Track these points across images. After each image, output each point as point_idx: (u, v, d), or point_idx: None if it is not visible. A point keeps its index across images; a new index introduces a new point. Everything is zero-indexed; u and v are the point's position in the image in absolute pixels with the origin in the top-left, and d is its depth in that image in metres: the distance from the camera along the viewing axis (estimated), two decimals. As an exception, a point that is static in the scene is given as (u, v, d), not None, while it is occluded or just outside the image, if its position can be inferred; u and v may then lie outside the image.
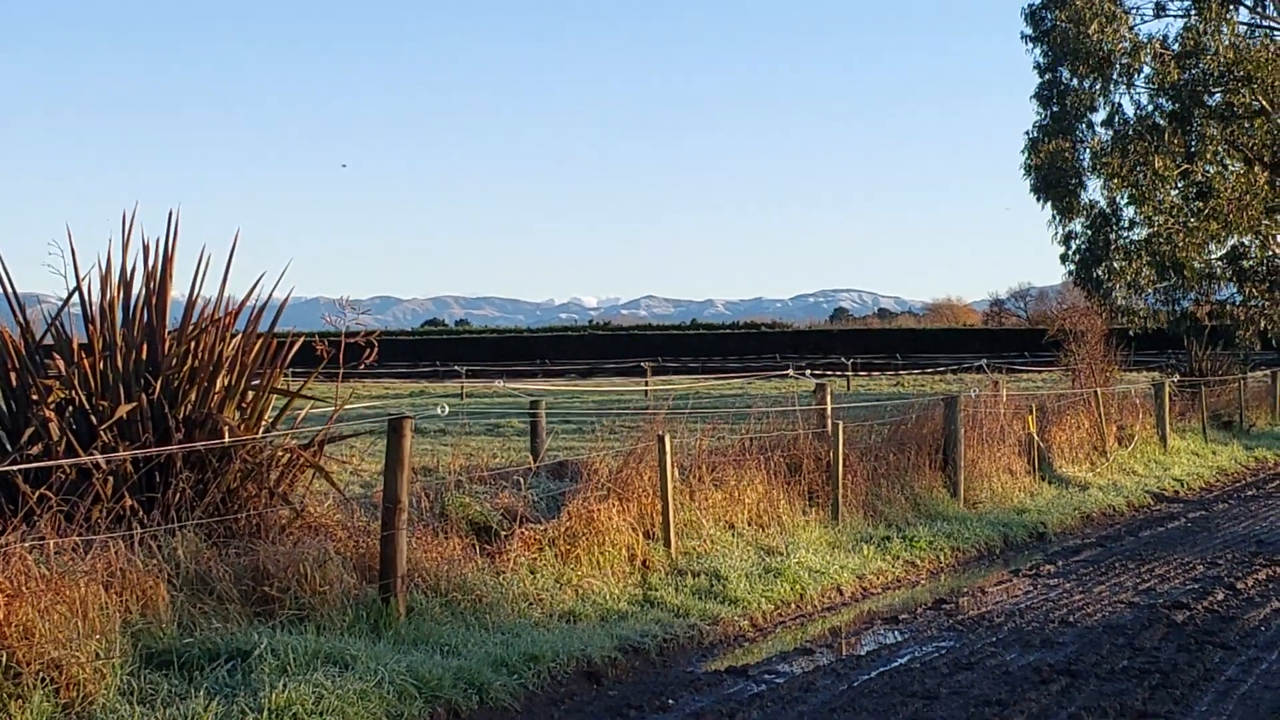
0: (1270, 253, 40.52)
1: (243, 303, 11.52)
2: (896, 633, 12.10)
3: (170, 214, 11.26)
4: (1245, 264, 40.83)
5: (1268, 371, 40.89)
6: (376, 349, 11.67)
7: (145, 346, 10.95)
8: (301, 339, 12.01)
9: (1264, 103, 37.14)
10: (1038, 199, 41.28)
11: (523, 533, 12.36)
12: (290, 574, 10.05)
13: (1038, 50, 43.12)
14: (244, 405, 11.40)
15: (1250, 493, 22.79)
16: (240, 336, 11.39)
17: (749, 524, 15.12)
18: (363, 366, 11.94)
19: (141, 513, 9.95)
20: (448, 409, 12.49)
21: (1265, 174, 37.90)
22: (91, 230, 11.37)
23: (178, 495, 10.14)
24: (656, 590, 12.56)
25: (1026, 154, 41.44)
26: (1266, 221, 38.43)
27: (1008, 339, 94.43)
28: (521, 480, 13.70)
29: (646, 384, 51.22)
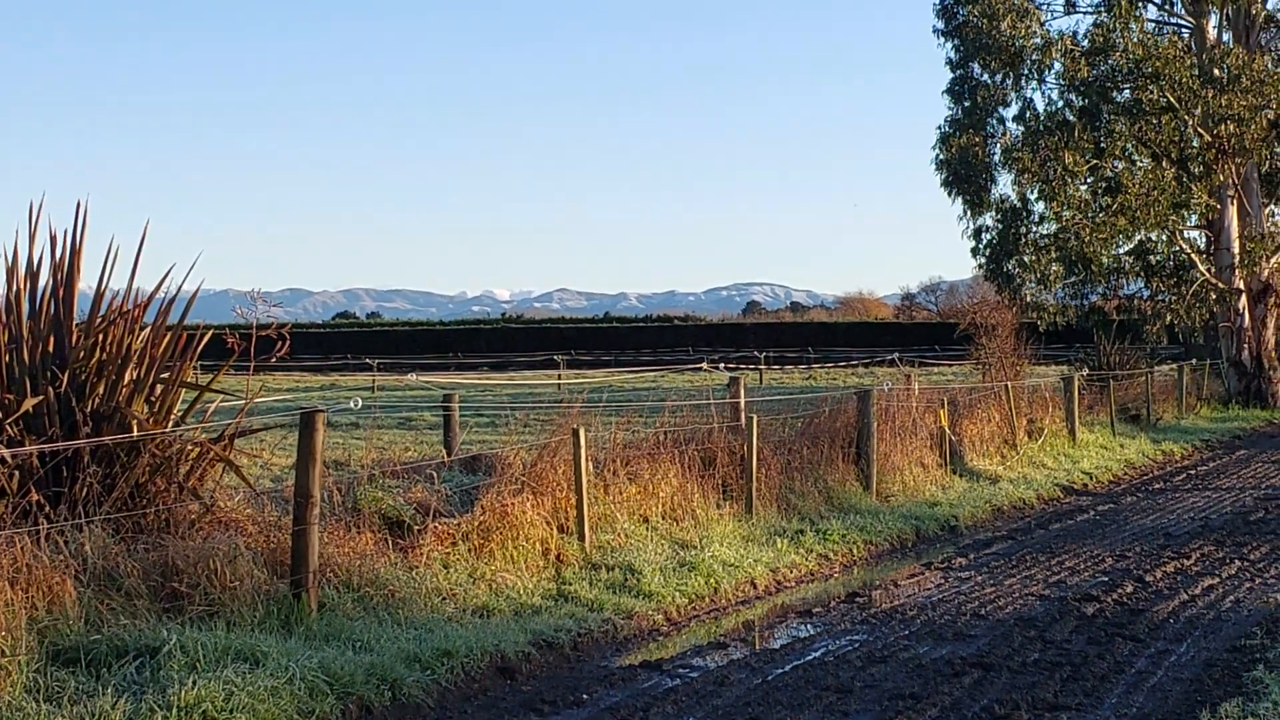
0: (1177, 248, 40.98)
1: (151, 295, 11.36)
2: (810, 626, 12.13)
3: (78, 205, 11.10)
4: (1153, 259, 41.27)
5: (1174, 365, 41.42)
6: (288, 342, 11.56)
7: (52, 339, 10.79)
8: (211, 332, 11.87)
9: (1171, 99, 37.53)
10: (949, 193, 41.45)
11: (436, 527, 12.30)
12: (200, 570, 9.94)
13: (949, 45, 43.32)
14: (153, 399, 11.25)
15: (1158, 486, 23.05)
16: (149, 329, 11.23)
17: (663, 518, 15.11)
18: (274, 360, 11.80)
19: (48, 508, 9.81)
20: (360, 402, 12.38)
21: (1173, 170, 38.30)
22: (-3, 221, 11.22)
23: (85, 490, 9.99)
24: (571, 584, 12.52)
25: (938, 148, 41.58)
26: (1173, 217, 38.79)
27: (919, 332, 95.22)
28: (435, 474, 13.61)
29: (560, 377, 51.17)
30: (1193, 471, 25.36)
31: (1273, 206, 45.25)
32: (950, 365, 47.18)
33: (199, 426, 11.51)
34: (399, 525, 12.28)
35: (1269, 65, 38.98)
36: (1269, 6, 43.25)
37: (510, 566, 12.44)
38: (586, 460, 13.87)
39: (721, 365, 46.61)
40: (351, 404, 12.27)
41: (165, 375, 11.29)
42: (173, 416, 11.40)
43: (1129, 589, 13.39)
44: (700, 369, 43.22)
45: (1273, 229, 43.76)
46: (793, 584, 14.22)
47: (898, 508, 18.31)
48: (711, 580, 13.43)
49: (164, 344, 11.26)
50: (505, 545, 12.65)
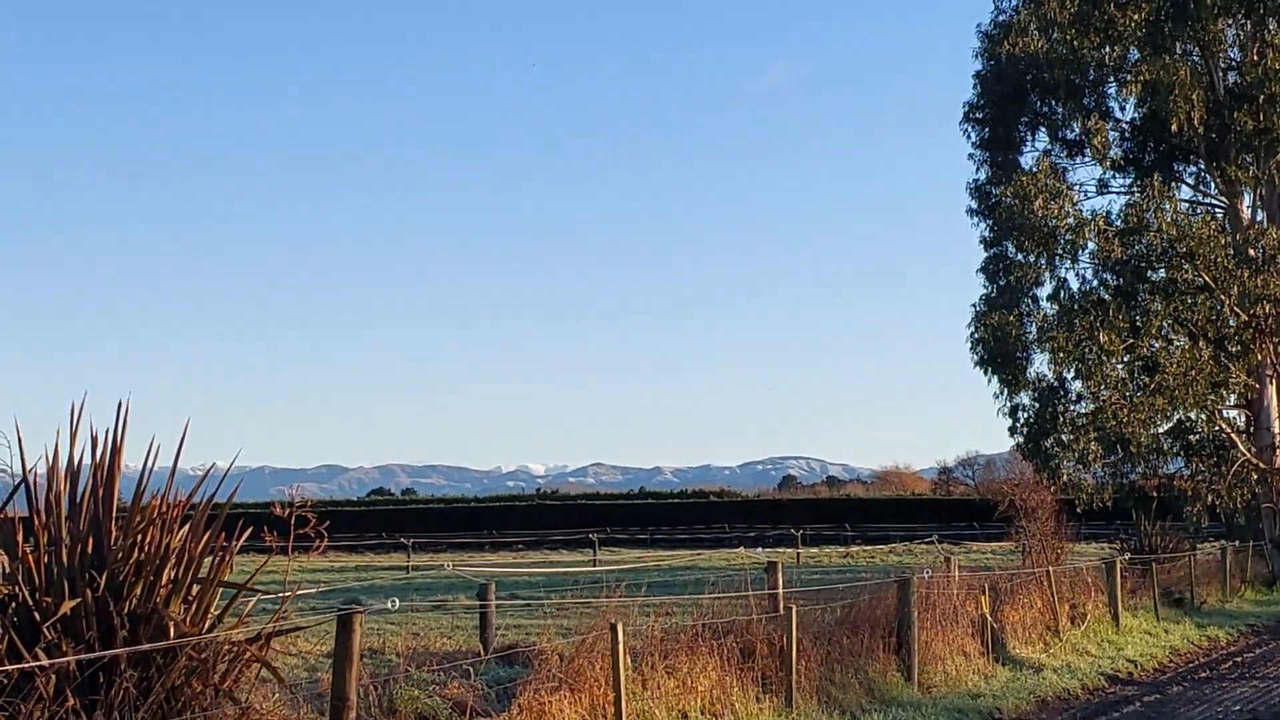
0: (1216, 427, 40.82)
1: (189, 497, 11.35)
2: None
3: (119, 404, 11.16)
4: (1192, 439, 41.12)
5: (1217, 544, 41.02)
6: (325, 540, 11.51)
7: (91, 540, 10.77)
8: (249, 530, 11.83)
9: (1206, 279, 37.62)
10: (984, 371, 41.58)
11: (473, 727, 12.15)
12: (235, 775, 9.81)
13: (983, 225, 43.88)
14: (190, 598, 11.19)
15: (1204, 674, 22.67)
16: (188, 527, 11.21)
17: (702, 712, 14.91)
18: (313, 555, 11.76)
19: (85, 715, 9.71)
20: (397, 603, 12.29)
21: (1209, 349, 38.30)
22: (38, 420, 11.26)
23: (121, 695, 9.90)
24: (609, 785, 12.33)
25: (973, 326, 41.77)
26: (1212, 396, 38.75)
27: (957, 509, 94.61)
28: (471, 669, 13.50)
29: (595, 558, 50.96)
30: (1239, 659, 24.93)
31: (1312, 385, 45.18)
32: (990, 544, 46.84)
33: (236, 628, 11.43)
34: (436, 724, 12.15)
35: (1304, 244, 39.06)
36: (1302, 186, 43.53)
37: (548, 767, 12.26)
38: (624, 655, 13.72)
39: (759, 548, 46.31)
40: (389, 605, 12.19)
41: (203, 575, 11.23)
42: (209, 615, 11.32)
43: (1180, 789, 13.11)
44: (736, 551, 42.98)
45: (1312, 408, 43.63)
46: (835, 782, 13.97)
47: (940, 699, 18.03)
48: (752, 779, 13.20)
49: (202, 544, 11.22)
50: (543, 745, 12.48)
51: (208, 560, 11.45)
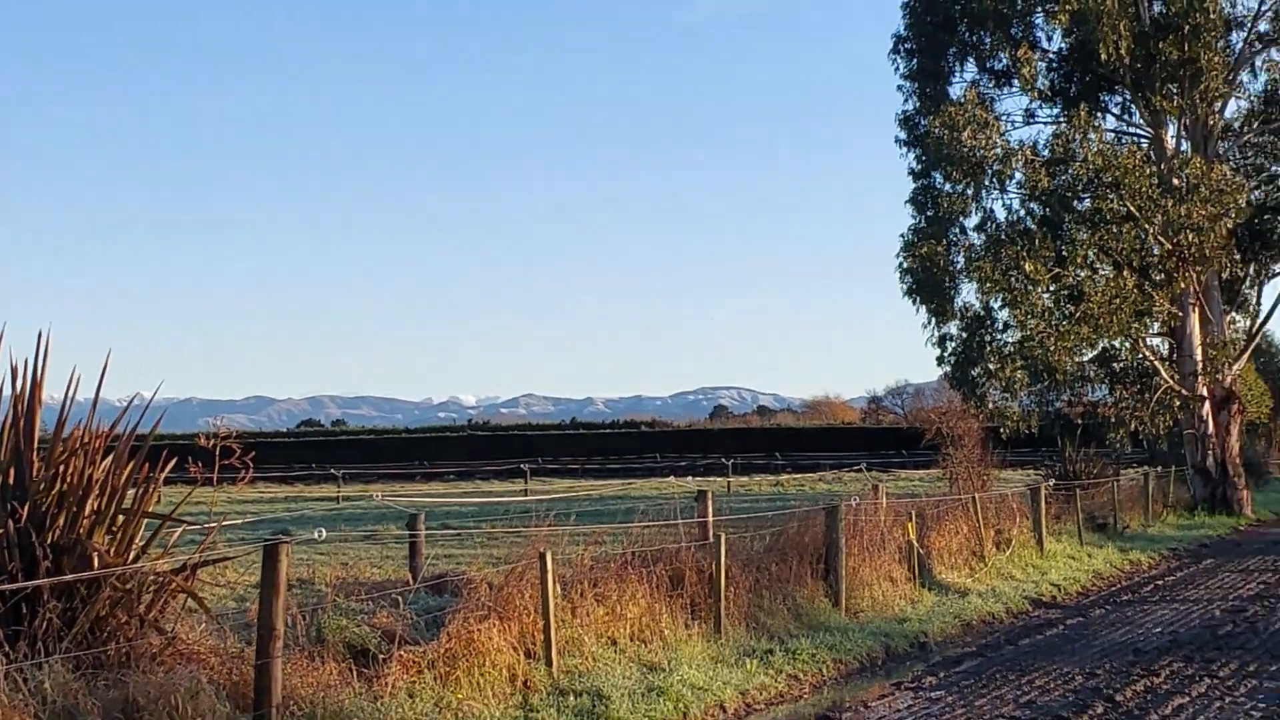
0: (1140, 355, 41.19)
1: (112, 427, 11.27)
2: (780, 752, 12.00)
3: (39, 335, 11.04)
4: (1116, 366, 41.48)
5: (1140, 471, 41.51)
6: (250, 470, 11.48)
7: (12, 471, 10.68)
8: (174, 460, 11.76)
9: (1132, 208, 37.82)
10: (913, 301, 41.60)
11: (401, 655, 12.14)
12: (161, 706, 9.79)
13: (912, 155, 43.85)
14: (114, 529, 11.13)
15: (1126, 597, 22.99)
16: (111, 458, 11.13)
17: (631, 639, 14.98)
18: (240, 486, 11.71)
19: (7, 645, 9.65)
20: (324, 533, 12.26)
21: (1134, 278, 38.54)
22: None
23: (45, 626, 9.85)
24: (538, 712, 12.37)
25: (901, 257, 41.74)
26: (1136, 324, 39.04)
27: (886, 437, 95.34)
28: (400, 599, 13.48)
29: (526, 488, 50.97)
30: (1160, 582, 25.30)
31: (1234, 314, 45.69)
32: (917, 472, 47.21)
33: (161, 558, 11.38)
34: (364, 654, 12.14)
35: (1227, 174, 39.34)
36: (1226, 116, 43.84)
37: (477, 694, 12.29)
38: (554, 584, 13.76)
39: (689, 477, 46.47)
40: (316, 534, 12.15)
41: (127, 506, 11.17)
42: (134, 546, 11.26)
43: (1099, 709, 13.30)
44: (667, 479, 43.11)
45: (1234, 336, 44.14)
46: (762, 706, 14.08)
47: (867, 624, 18.20)
48: (680, 704, 13.28)
49: (125, 474, 11.15)
50: (471, 672, 12.50)
51: (132, 491, 11.39)
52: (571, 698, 12.84)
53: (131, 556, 11.04)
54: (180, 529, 12.08)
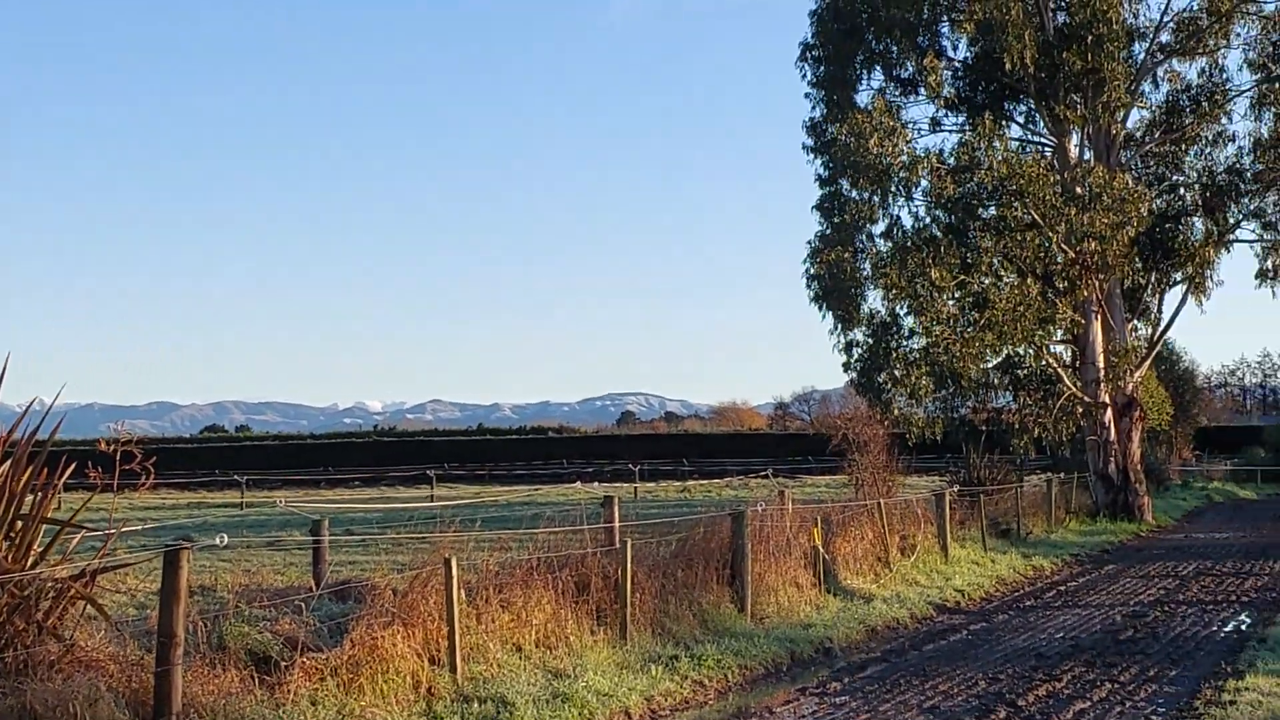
0: (1044, 362, 41.61)
1: (10, 432, 11.09)
2: (685, 758, 11.99)
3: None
4: (1020, 373, 41.88)
5: (1043, 477, 41.94)
6: (152, 475, 11.33)
7: (-95, 476, 10.49)
8: (74, 465, 11.59)
9: (1036, 216, 38.21)
10: (819, 308, 41.81)
11: (304, 662, 12.03)
12: (60, 714, 9.66)
13: (819, 162, 44.11)
14: (12, 534, 10.96)
15: (1029, 603, 23.21)
16: (8, 464, 10.95)
17: (537, 646, 14.93)
18: (142, 492, 11.56)
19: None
20: (226, 539, 12.12)
21: (1038, 286, 38.97)
22: None
23: (-62, 634, 9.68)
24: (442, 719, 12.31)
25: (808, 263, 41.95)
26: (1040, 332, 39.43)
27: (793, 443, 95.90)
28: (303, 605, 13.36)
29: (432, 494, 50.71)
30: (1063, 588, 25.56)
31: (1136, 321, 46.29)
32: (824, 478, 47.45)
33: (60, 564, 11.21)
34: (266, 661, 12.01)
35: (1130, 183, 39.85)
36: (1128, 125, 44.44)
37: (380, 702, 12.20)
38: (458, 590, 13.69)
39: (595, 483, 46.42)
40: (218, 541, 12.02)
41: (25, 512, 11.00)
42: (33, 552, 11.09)
43: (1002, 714, 13.40)
44: (574, 486, 43.04)
45: (1136, 344, 44.72)
46: (667, 712, 14.07)
47: (772, 629, 18.25)
48: (585, 711, 13.25)
49: (24, 479, 10.98)
50: (375, 679, 12.41)
51: (31, 497, 11.22)
52: (476, 705, 12.78)
53: (29, 562, 10.87)
54: (80, 535, 11.92)
